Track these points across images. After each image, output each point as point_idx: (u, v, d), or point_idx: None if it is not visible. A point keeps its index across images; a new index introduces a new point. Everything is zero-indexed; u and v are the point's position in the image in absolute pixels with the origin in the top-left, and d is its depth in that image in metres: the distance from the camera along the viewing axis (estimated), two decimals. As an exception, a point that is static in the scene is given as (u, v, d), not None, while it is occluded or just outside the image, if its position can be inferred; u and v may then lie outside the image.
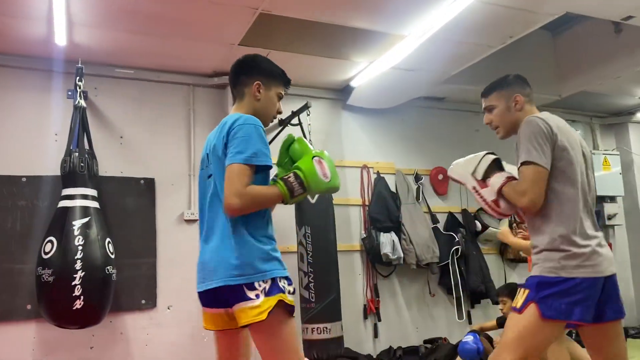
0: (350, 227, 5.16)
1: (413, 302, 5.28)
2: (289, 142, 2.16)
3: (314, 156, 1.95)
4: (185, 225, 4.57)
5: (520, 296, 1.98)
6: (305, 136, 4.59)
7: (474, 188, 2.20)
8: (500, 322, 4.10)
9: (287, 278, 1.87)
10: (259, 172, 1.85)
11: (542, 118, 2.06)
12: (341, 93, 5.27)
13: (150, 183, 4.51)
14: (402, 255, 5.04)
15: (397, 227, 5.16)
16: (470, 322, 5.34)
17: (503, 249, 5.73)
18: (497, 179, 2.12)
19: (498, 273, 5.66)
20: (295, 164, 1.95)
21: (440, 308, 5.39)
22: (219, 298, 1.85)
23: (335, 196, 5.03)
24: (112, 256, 3.77)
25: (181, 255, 4.49)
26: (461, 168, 2.26)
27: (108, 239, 3.78)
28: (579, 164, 2.11)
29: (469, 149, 5.67)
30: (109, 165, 4.37)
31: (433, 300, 5.35)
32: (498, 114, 2.24)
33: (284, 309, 1.80)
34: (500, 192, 2.09)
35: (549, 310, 1.89)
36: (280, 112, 2.18)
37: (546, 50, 5.73)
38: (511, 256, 5.68)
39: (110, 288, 3.76)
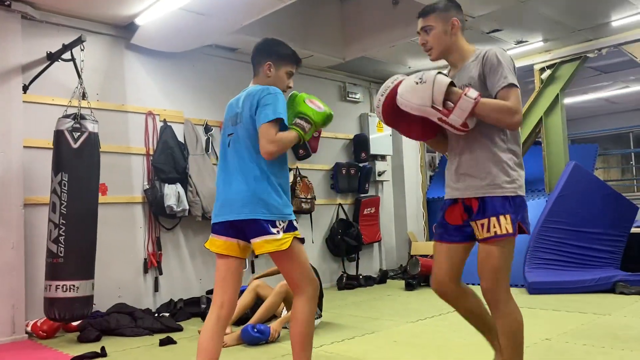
0: (131, 178, 4.84)
1: (197, 254, 5.24)
2: (291, 99, 2.55)
3: (304, 99, 2.49)
4: None
5: (505, 222, 2.07)
6: (78, 74, 4.10)
7: (440, 119, 2.09)
8: None
9: (295, 221, 2.42)
10: (281, 127, 2.37)
11: None
12: (124, 30, 4.81)
13: None
14: (187, 207, 4.92)
15: (183, 178, 5.00)
16: (253, 271, 5.53)
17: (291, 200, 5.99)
18: (466, 102, 2.03)
19: (281, 224, 5.93)
20: (296, 111, 2.46)
21: (225, 259, 5.43)
22: (237, 229, 2.37)
23: (115, 143, 4.67)
24: None
25: None
26: (417, 100, 2.08)
27: None
28: None
29: (260, 103, 5.84)
30: None
31: (218, 251, 5.37)
32: (435, 35, 2.22)
33: (297, 241, 2.37)
34: (472, 113, 2.05)
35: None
36: (290, 87, 2.57)
37: (334, 14, 6.03)
38: (295, 208, 5.97)
39: None
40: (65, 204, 3.76)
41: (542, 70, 6.47)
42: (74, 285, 3.71)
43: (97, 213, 3.98)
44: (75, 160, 3.82)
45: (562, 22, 5.51)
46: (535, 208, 5.77)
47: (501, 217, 2.07)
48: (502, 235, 2.06)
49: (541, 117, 6.47)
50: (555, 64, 6.36)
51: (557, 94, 6.37)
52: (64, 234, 3.74)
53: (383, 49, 5.89)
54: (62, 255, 3.72)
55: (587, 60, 6.29)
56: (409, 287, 5.79)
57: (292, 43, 5.51)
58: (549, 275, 5.18)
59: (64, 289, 3.69)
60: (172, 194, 4.83)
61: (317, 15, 5.76)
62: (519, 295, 5.07)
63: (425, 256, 6.44)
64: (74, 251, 3.75)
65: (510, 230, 2.06)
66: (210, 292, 5.13)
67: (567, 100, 7.84)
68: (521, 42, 6.03)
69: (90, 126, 3.90)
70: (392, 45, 5.73)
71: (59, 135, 3.84)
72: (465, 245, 2.26)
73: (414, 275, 5.89)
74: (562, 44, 6.15)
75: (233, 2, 4.17)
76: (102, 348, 3.45)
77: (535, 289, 5.08)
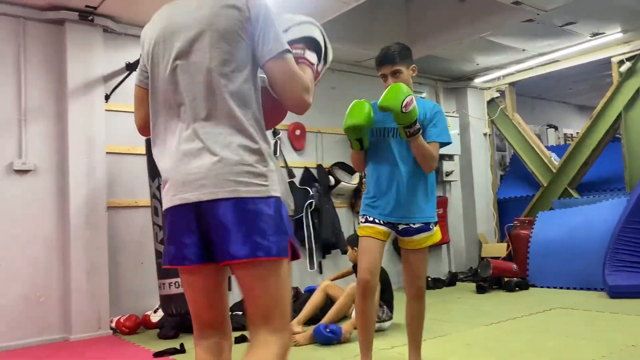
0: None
1: (267, 255, 5.34)
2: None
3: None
4: (15, 176, 4.08)
5: None
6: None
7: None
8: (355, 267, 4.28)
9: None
10: None
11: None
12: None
13: (-31, 128, 3.94)
14: (257, 208, 5.04)
15: (252, 180, 5.13)
16: (321, 272, 5.58)
17: (353, 202, 6.02)
18: None
19: (348, 225, 5.95)
20: None
21: (294, 260, 5.52)
22: None
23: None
24: None
25: (10, 208, 4.03)
26: None
27: None
28: (164, 62, 1.48)
29: (327, 105, 5.90)
30: None
31: (287, 252, 5.46)
32: None
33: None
34: None
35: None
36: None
37: (399, 13, 5.97)
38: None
39: None
40: None
41: (621, 62, 6.12)
42: None
43: None
44: None
45: (642, 10, 5.21)
46: (615, 208, 5.48)
47: None
48: None
49: (620, 112, 6.12)
50: (636, 55, 6.00)
51: (638, 88, 6.01)
52: None
53: (450, 47, 5.78)
54: None
55: (672, 51, 5.90)
56: (481, 290, 5.65)
57: (356, 44, 5.62)
58: (631, 278, 4.89)
59: (177, 285, 3.95)
60: (242, 196, 4.96)
61: (382, 15, 5.73)
62: (598, 300, 4.83)
63: (497, 258, 6.25)
64: None
65: None
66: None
67: (649, 94, 7.36)
68: (597, 34, 5.74)
69: None
70: (460, 43, 5.62)
71: (149, 143, 4.08)
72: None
73: (486, 278, 5.74)
74: (643, 34, 5.80)
75: (297, 7, 4.23)
76: (181, 345, 3.60)
77: (616, 293, 4.82)
